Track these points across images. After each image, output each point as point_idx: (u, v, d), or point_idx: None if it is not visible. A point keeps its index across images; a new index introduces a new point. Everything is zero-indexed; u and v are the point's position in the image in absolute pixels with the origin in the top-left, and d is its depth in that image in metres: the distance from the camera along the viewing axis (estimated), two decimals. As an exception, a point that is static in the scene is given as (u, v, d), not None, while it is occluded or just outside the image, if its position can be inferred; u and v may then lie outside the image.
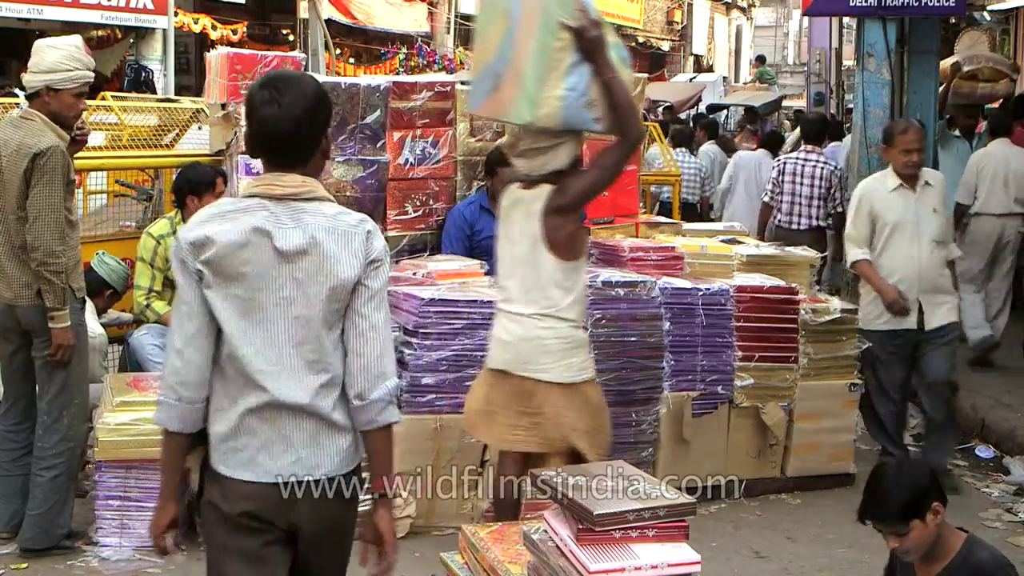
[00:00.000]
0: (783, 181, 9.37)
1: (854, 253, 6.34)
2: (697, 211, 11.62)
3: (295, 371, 2.88)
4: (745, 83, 30.07)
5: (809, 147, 9.49)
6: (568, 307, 4.35)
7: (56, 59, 4.85)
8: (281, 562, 2.95)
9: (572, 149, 4.40)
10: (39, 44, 4.92)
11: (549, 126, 4.29)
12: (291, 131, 2.87)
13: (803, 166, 9.32)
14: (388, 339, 2.95)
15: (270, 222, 2.86)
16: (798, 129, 15.48)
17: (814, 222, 9.27)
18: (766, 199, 9.65)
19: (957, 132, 9.91)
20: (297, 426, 2.89)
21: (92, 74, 5.00)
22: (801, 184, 9.27)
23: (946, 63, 10.30)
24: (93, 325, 5.92)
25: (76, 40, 5.01)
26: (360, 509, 3.07)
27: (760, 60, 30.96)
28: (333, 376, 2.92)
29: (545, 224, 4.30)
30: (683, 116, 18.94)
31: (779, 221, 9.43)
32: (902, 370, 6.36)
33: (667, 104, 18.44)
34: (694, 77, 25.23)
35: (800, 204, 9.28)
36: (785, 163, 9.52)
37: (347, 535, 3.07)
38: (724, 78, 32.42)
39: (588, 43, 4.22)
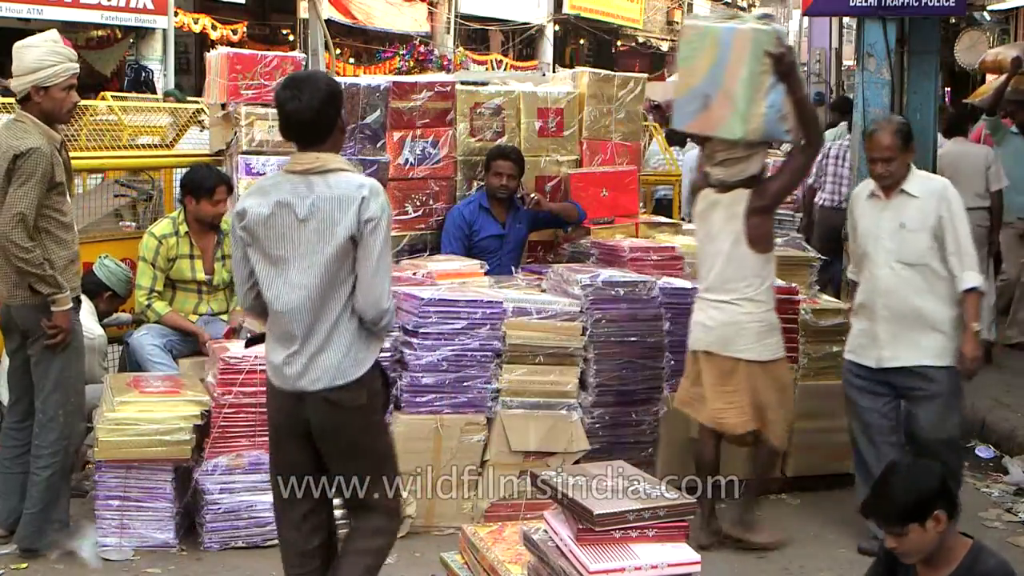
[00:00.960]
0: (827, 164, 9.94)
1: (849, 267, 5.81)
2: None
3: (303, 308, 3.72)
4: None
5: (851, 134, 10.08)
6: (763, 292, 5.24)
7: (38, 57, 4.83)
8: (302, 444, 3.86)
9: (762, 158, 5.29)
10: (17, 46, 4.88)
11: (754, 139, 5.15)
12: (311, 119, 3.71)
13: (846, 150, 9.76)
14: (386, 279, 3.76)
15: (291, 195, 3.70)
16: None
17: None
18: (810, 181, 10.14)
19: (1015, 128, 9.90)
20: (304, 348, 3.73)
21: (77, 65, 4.95)
22: (842, 166, 9.76)
23: (1006, 55, 10.26)
24: (92, 326, 5.93)
25: (53, 34, 4.96)
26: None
27: None
28: (332, 310, 3.73)
29: (748, 223, 5.17)
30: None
31: (823, 202, 9.96)
32: (873, 411, 5.31)
33: (655, 103, 18.37)
34: None
35: (840, 184, 9.77)
36: (830, 148, 10.01)
37: (348, 431, 3.80)
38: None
39: (785, 67, 5.07)
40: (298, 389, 3.75)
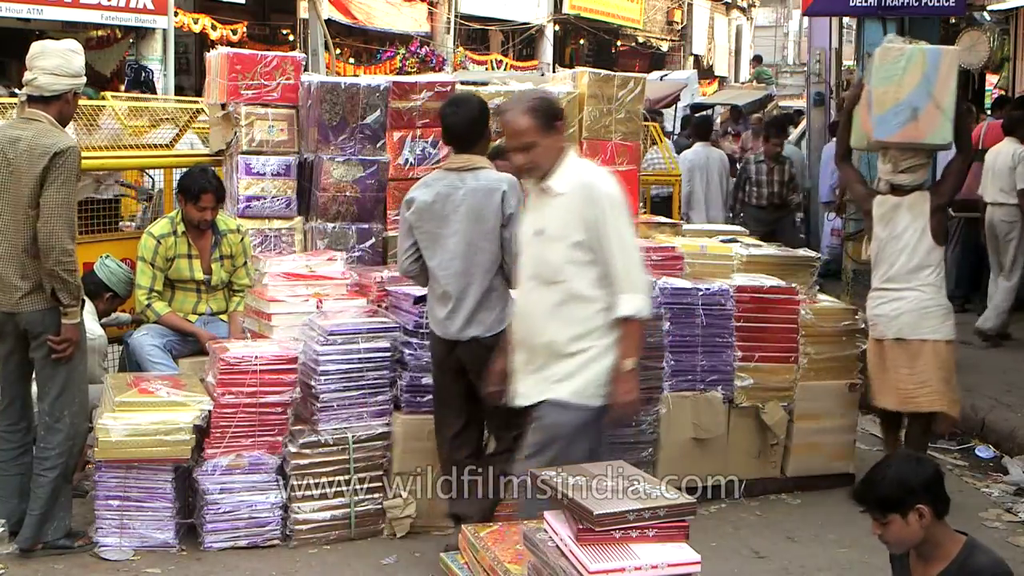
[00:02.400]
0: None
1: None
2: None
3: (458, 274, 4.77)
4: (743, 83, 29.97)
5: None
6: (940, 279, 5.93)
7: (81, 64, 4.99)
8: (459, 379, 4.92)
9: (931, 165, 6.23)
10: (61, 49, 4.95)
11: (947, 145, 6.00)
12: (464, 130, 4.85)
13: None
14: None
15: (449, 186, 4.80)
16: (800, 127, 15.50)
17: None
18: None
19: None
20: (460, 305, 4.77)
21: None
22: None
23: None
24: (93, 326, 5.94)
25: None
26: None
27: (757, 60, 30.79)
28: (485, 277, 4.77)
29: (933, 219, 5.87)
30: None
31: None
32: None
33: None
34: (664, 75, 24.87)
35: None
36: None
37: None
38: (723, 78, 32.24)
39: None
40: (456, 338, 4.80)
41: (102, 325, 6.25)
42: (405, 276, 5.08)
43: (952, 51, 6.04)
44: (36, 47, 4.95)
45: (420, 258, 4.89)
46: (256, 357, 5.21)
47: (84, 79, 5.05)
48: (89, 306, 5.95)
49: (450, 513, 5.03)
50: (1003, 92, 14.49)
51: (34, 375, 5.05)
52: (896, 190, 5.98)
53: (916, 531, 3.48)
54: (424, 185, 4.92)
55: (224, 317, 6.17)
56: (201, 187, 5.97)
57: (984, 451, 7.05)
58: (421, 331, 5.38)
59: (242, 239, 6.19)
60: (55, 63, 4.87)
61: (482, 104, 4.94)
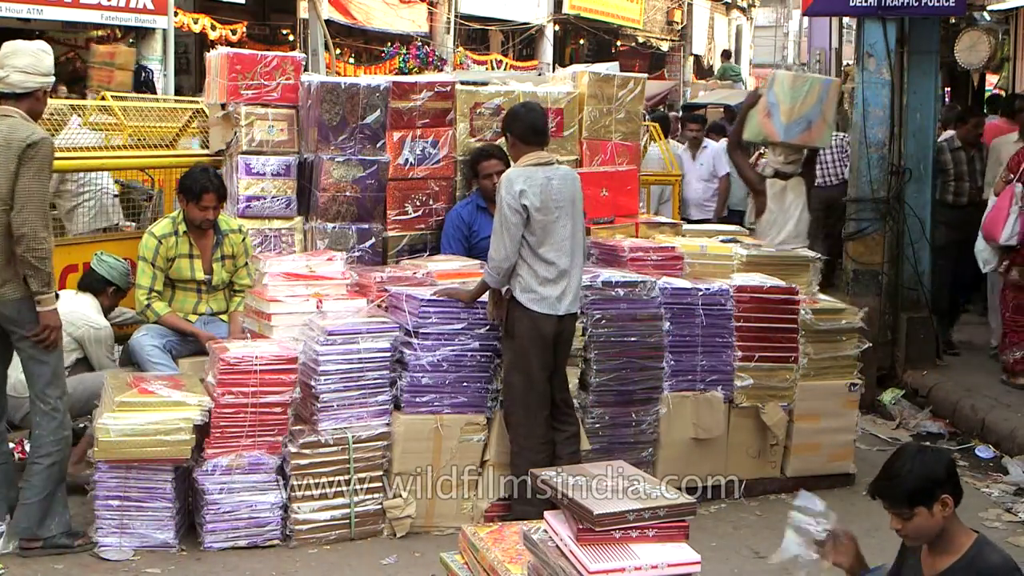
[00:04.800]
0: (824, 153, 10.37)
1: None
2: None
3: (568, 255, 5.35)
4: (709, 80, 29.67)
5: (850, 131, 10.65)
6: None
7: (50, 64, 5.05)
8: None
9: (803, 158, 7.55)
10: (32, 49, 5.03)
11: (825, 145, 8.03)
12: (546, 127, 5.60)
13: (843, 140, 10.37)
14: None
15: (545, 179, 5.33)
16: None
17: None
18: None
19: None
20: (571, 283, 5.38)
21: None
22: (824, 152, 10.26)
23: None
24: (97, 318, 6.11)
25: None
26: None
27: (725, 56, 30.43)
28: (581, 256, 5.50)
29: (808, 197, 7.43)
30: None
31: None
32: None
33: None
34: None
35: (825, 168, 10.54)
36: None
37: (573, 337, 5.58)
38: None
39: None
40: (566, 312, 5.35)
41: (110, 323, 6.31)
42: (504, 267, 5.27)
43: (837, 82, 7.96)
44: (8, 46, 5.06)
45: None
46: (256, 357, 5.20)
47: (53, 78, 5.11)
48: (94, 302, 6.17)
49: (514, 515, 5.13)
50: (1002, 92, 14.49)
51: (22, 365, 5.11)
52: (780, 175, 7.38)
53: (938, 522, 3.47)
54: (524, 178, 5.31)
55: (224, 317, 6.16)
56: (203, 187, 5.96)
57: (984, 451, 7.05)
58: (421, 331, 5.39)
59: (243, 239, 6.19)
60: (26, 62, 4.96)
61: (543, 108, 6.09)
